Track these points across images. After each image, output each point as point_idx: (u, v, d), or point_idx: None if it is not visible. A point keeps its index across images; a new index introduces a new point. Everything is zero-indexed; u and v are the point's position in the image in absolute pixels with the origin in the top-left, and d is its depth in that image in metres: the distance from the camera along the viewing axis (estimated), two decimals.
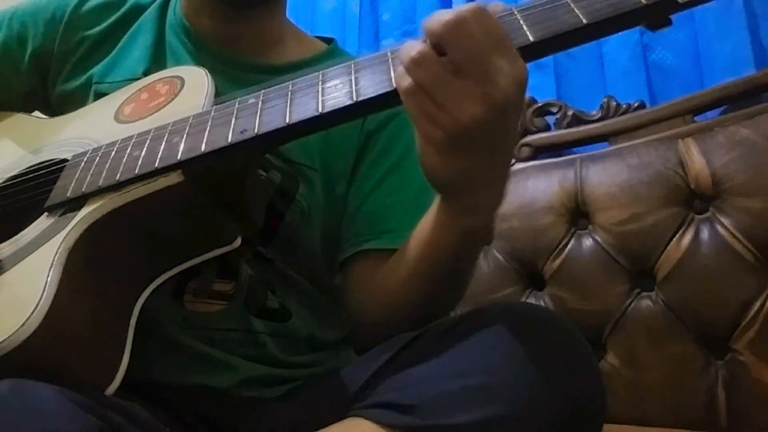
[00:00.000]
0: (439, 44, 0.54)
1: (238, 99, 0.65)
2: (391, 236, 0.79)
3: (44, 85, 0.88)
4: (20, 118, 0.88)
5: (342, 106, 0.58)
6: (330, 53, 0.90)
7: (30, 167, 0.74)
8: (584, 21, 0.53)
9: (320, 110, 0.58)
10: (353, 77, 0.59)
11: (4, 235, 0.65)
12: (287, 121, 0.59)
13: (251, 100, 0.64)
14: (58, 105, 0.87)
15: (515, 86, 0.54)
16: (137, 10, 0.89)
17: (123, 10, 0.89)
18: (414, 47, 0.54)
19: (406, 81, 0.54)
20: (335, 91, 0.59)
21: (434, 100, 0.54)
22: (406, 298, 0.73)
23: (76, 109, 0.83)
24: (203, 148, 0.61)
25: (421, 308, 0.72)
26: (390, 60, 0.58)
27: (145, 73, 0.81)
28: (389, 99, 0.57)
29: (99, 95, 0.82)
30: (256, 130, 0.60)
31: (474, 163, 0.57)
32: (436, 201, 0.66)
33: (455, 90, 0.53)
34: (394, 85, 0.56)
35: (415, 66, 0.54)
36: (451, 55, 0.53)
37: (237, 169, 0.65)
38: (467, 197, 0.62)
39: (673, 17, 0.55)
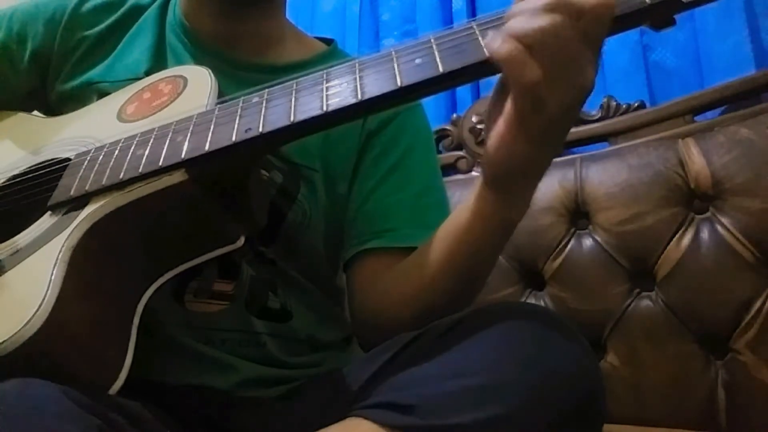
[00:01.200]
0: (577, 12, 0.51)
1: (242, 98, 0.65)
2: (394, 235, 0.79)
3: (44, 84, 0.88)
4: (22, 117, 0.88)
5: (346, 105, 0.58)
6: (330, 54, 0.90)
7: (33, 166, 0.74)
8: None
9: (325, 109, 0.58)
10: (358, 76, 0.59)
11: (7, 234, 0.65)
12: (291, 120, 0.59)
13: (255, 99, 0.63)
14: (57, 105, 0.87)
15: (594, 80, 0.54)
16: (137, 11, 0.89)
17: (123, 10, 0.89)
18: (538, 16, 0.51)
19: (515, 45, 0.52)
20: (340, 90, 0.59)
21: (552, 83, 0.52)
22: (432, 296, 0.72)
23: (75, 108, 0.82)
24: (207, 147, 0.61)
25: (444, 305, 0.71)
26: (394, 59, 0.58)
27: (147, 73, 0.81)
28: (394, 98, 0.57)
29: (100, 95, 0.82)
30: (260, 129, 0.60)
31: (545, 152, 0.58)
32: (477, 194, 0.66)
33: (568, 75, 0.52)
34: (487, 54, 0.54)
35: (549, 35, 0.51)
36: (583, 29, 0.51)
37: (241, 169, 0.64)
38: (519, 186, 0.62)
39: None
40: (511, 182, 0.62)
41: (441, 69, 0.55)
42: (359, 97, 0.57)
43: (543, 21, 0.51)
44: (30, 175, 0.73)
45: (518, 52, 0.52)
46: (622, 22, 0.54)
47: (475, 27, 0.57)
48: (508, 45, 0.52)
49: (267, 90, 0.64)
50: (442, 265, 0.70)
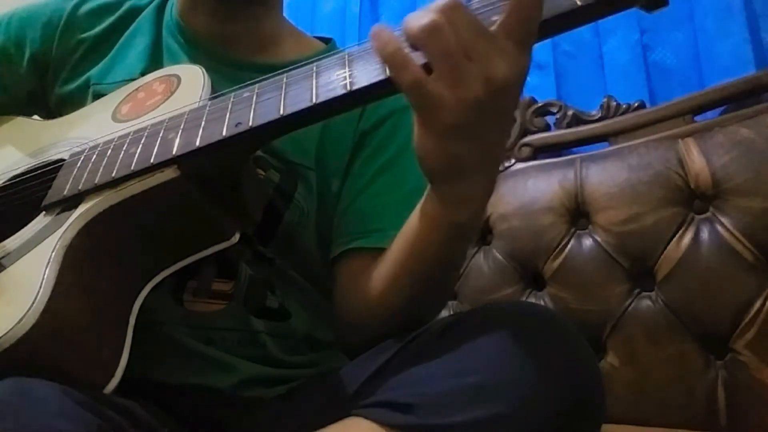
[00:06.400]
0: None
1: (233, 93, 0.65)
2: (380, 235, 0.77)
3: (43, 88, 0.88)
4: (20, 121, 0.88)
5: (336, 96, 0.57)
6: (327, 52, 0.89)
7: (29, 168, 0.75)
8: (578, 3, 0.52)
9: (314, 101, 0.58)
10: (347, 68, 0.59)
11: (3, 235, 0.65)
12: (281, 113, 0.59)
13: (246, 94, 0.64)
14: (57, 108, 0.87)
15: (517, 71, 0.52)
16: (134, 12, 0.89)
17: (120, 12, 0.89)
18: (423, 16, 0.52)
19: (410, 63, 0.52)
20: (329, 81, 0.59)
21: (444, 79, 0.52)
22: (392, 299, 0.70)
23: (74, 111, 0.83)
24: (198, 142, 0.61)
25: (406, 310, 0.70)
26: None
27: (143, 74, 0.82)
28: (383, 88, 0.57)
29: (97, 96, 0.83)
30: (250, 123, 0.60)
31: (469, 148, 0.56)
32: (425, 194, 0.64)
33: (464, 70, 0.51)
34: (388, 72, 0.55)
35: (432, 34, 0.51)
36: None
37: (233, 164, 0.64)
38: (458, 185, 0.59)
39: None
40: (441, 179, 0.60)
41: None
42: (349, 87, 0.57)
43: (426, 19, 0.52)
44: (26, 176, 0.73)
45: (394, 50, 0.53)
46: (612, 3, 0.53)
47: None
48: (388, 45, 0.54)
49: (257, 85, 0.64)
50: (397, 269, 0.69)
